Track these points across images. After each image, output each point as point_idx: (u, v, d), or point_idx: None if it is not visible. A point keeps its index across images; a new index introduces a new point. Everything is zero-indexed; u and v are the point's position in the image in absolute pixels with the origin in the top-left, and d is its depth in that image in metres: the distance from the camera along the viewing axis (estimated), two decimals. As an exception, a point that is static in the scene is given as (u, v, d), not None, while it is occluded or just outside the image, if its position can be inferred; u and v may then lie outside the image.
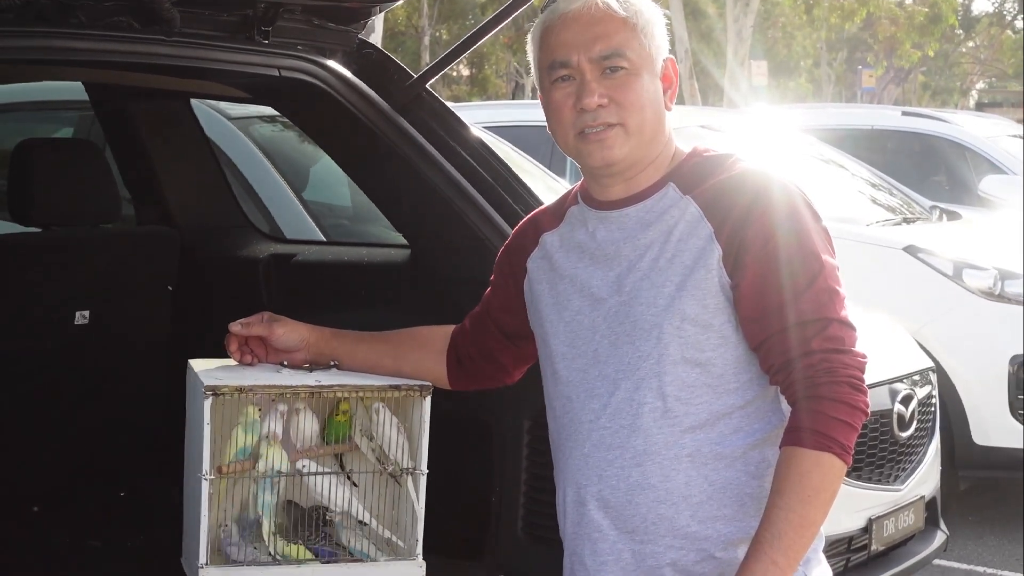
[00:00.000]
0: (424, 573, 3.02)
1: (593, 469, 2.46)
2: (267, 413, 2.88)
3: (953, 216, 8.61)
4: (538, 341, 2.62)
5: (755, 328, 2.38)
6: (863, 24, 33.34)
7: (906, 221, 8.13)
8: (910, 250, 7.36)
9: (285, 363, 2.91)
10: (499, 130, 6.36)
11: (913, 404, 5.12)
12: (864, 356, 2.37)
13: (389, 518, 3.05)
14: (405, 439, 2.98)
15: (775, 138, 8.57)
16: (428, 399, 2.92)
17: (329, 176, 6.21)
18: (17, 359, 4.10)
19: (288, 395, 2.87)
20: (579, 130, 2.46)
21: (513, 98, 33.51)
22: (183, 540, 3.07)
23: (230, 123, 6.03)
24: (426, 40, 34.49)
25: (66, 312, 4.20)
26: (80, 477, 4.24)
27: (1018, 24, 45.15)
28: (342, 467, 3.03)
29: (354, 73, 3.65)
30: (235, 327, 2.90)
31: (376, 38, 4.67)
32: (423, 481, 2.99)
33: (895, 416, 5.02)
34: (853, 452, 2.34)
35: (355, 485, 3.03)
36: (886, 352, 5.24)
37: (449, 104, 3.82)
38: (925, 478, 5.17)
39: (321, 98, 3.61)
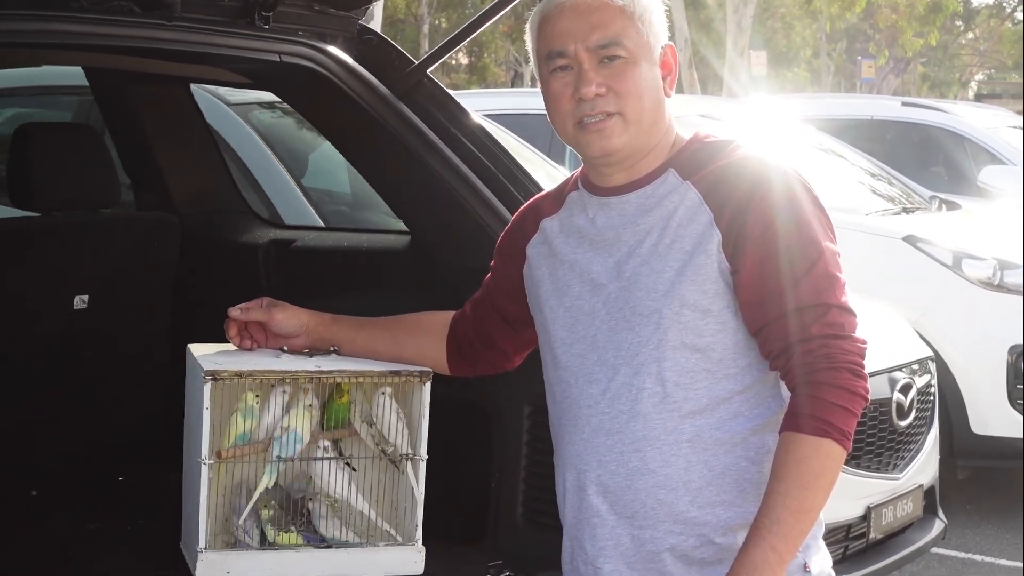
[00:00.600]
0: (424, 558, 3.03)
1: (592, 454, 2.46)
2: (293, 398, 2.89)
3: (952, 206, 8.61)
4: (538, 327, 2.62)
5: (755, 314, 2.38)
6: (863, 14, 33.30)
7: (905, 211, 8.12)
8: (909, 240, 7.36)
9: (285, 348, 2.92)
10: (498, 118, 6.35)
11: (912, 393, 5.13)
12: (864, 342, 2.37)
13: (388, 503, 3.05)
14: (405, 425, 2.99)
15: (775, 128, 8.56)
16: (428, 385, 2.93)
17: (329, 163, 6.21)
18: (16, 344, 4.10)
19: (288, 380, 2.88)
20: (578, 119, 2.46)
21: (512, 86, 33.48)
22: (182, 524, 3.07)
23: (230, 109, 6.02)
24: (425, 28, 34.45)
25: (65, 297, 4.19)
26: (79, 461, 4.23)
27: (1018, 16, 45.13)
28: (340, 453, 3.04)
29: (355, 59, 3.65)
30: (234, 312, 2.90)
31: (375, 25, 4.67)
32: (423, 467, 2.99)
33: (894, 405, 5.02)
34: (853, 438, 2.34)
35: (354, 470, 3.04)
36: (885, 341, 5.25)
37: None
38: (924, 467, 5.18)
39: (322, 84, 3.60)
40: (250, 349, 2.92)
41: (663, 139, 2.50)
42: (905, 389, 5.09)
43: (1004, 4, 45.02)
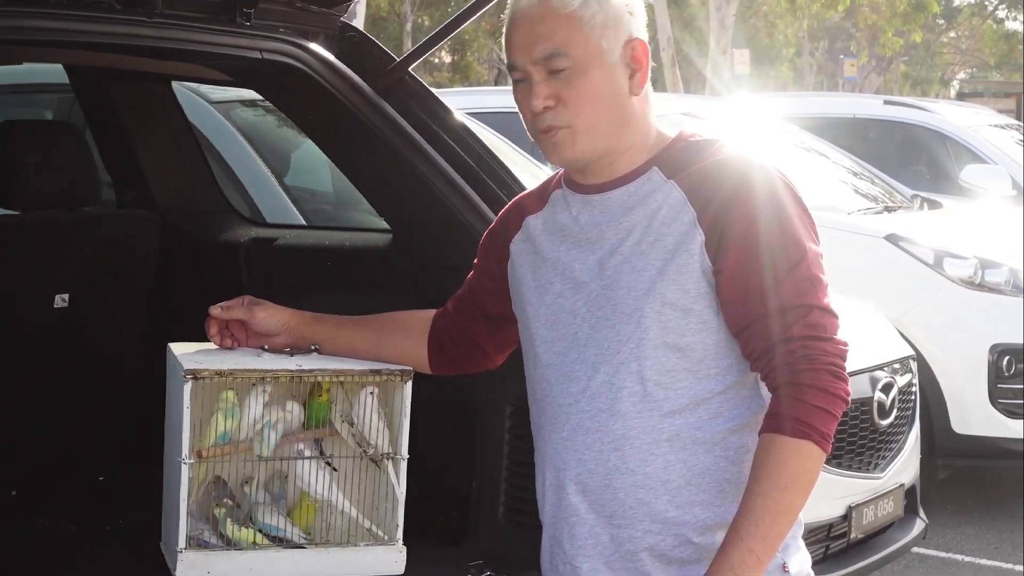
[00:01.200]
0: (405, 557, 3.02)
1: (572, 453, 2.46)
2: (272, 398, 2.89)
3: (934, 205, 8.63)
4: (520, 325, 2.62)
5: (736, 314, 2.38)
6: (845, 13, 33.36)
7: (887, 210, 8.14)
8: (891, 238, 7.38)
9: (266, 347, 2.91)
10: (481, 116, 6.34)
11: (893, 392, 5.14)
12: (846, 344, 2.37)
13: (369, 503, 3.05)
14: (386, 424, 2.98)
15: (757, 126, 8.57)
16: (409, 384, 2.92)
17: (311, 161, 6.20)
18: (-4, 342, 4.08)
19: (268, 379, 2.87)
20: (534, 131, 2.47)
21: (495, 85, 33.47)
22: (162, 524, 3.06)
23: (212, 107, 6.01)
24: (408, 27, 34.40)
25: (45, 295, 4.17)
26: (59, 461, 4.22)
27: (1000, 15, 45.27)
28: (321, 452, 3.03)
29: (336, 56, 3.64)
30: (215, 311, 2.89)
31: (358, 24, 4.65)
32: (404, 466, 2.99)
33: (875, 404, 5.03)
34: (833, 440, 2.34)
35: (335, 470, 3.03)
36: (866, 340, 5.26)
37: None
38: (905, 466, 5.19)
39: (303, 81, 3.59)
40: (231, 348, 2.91)
41: (639, 138, 2.48)
42: (886, 388, 5.10)
43: (986, 3, 45.16)
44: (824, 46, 41.54)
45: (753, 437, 2.38)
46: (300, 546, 3.00)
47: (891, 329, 5.76)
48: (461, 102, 7.19)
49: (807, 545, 2.55)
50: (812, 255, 2.38)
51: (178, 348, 2.94)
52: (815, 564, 2.57)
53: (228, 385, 2.86)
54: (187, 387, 2.80)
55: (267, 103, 5.14)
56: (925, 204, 8.56)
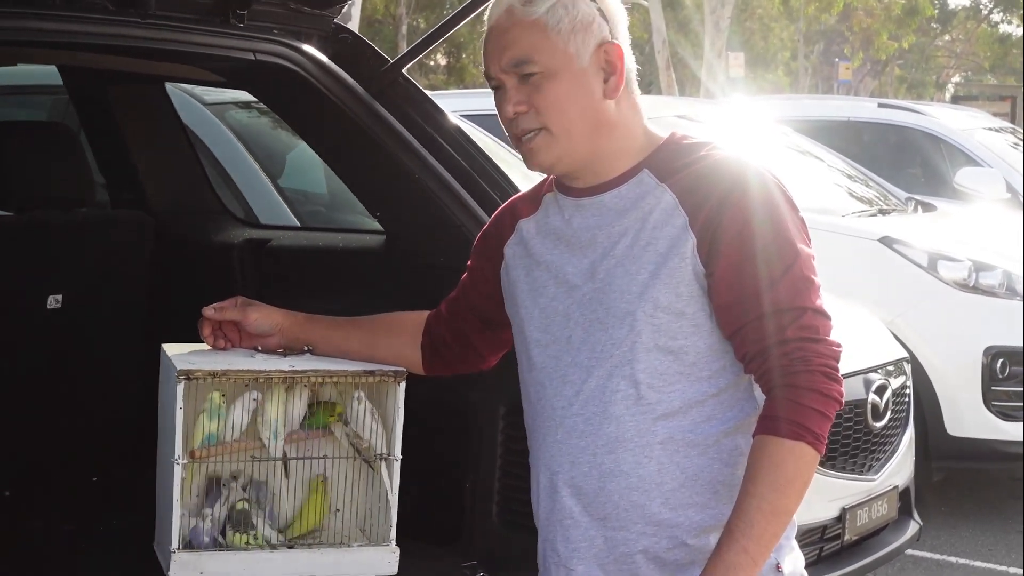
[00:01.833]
0: (398, 558, 3.02)
1: (566, 456, 2.45)
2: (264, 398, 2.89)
3: (928, 208, 8.64)
4: (514, 327, 2.62)
5: (729, 316, 2.38)
6: (840, 16, 33.41)
7: (882, 212, 8.15)
8: (885, 241, 7.38)
9: (259, 348, 2.90)
10: (476, 118, 6.34)
11: (887, 394, 5.14)
12: (839, 345, 2.37)
13: (363, 504, 3.05)
14: (379, 425, 2.98)
15: (752, 129, 8.57)
16: (402, 385, 2.92)
17: (305, 163, 6.20)
18: (-11, 343, 4.08)
19: (261, 380, 2.87)
20: (512, 137, 2.48)
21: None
22: (156, 525, 3.06)
23: (205, 108, 6.01)
24: (403, 29, 34.41)
25: (39, 296, 4.17)
26: (52, 461, 4.21)
27: (994, 18, 45.29)
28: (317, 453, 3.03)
29: (330, 57, 3.64)
30: (208, 312, 2.89)
31: (353, 26, 4.65)
32: (397, 467, 2.99)
33: (869, 406, 5.03)
34: (827, 441, 2.35)
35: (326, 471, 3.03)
36: (861, 342, 5.26)
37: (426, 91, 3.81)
38: (899, 468, 5.19)
39: (296, 82, 3.59)
40: (224, 349, 2.91)
41: (624, 142, 2.48)
42: (880, 390, 5.10)
43: (980, 6, 45.20)
44: (819, 49, 41.58)
45: (747, 439, 2.38)
46: (293, 547, 3.00)
47: (885, 331, 5.77)
48: (456, 104, 7.21)
49: (801, 547, 2.55)
50: (805, 256, 2.38)
51: (171, 349, 2.94)
52: (809, 566, 2.58)
53: (215, 387, 2.86)
54: (180, 388, 2.80)
55: (261, 105, 5.14)
56: (919, 207, 8.57)
